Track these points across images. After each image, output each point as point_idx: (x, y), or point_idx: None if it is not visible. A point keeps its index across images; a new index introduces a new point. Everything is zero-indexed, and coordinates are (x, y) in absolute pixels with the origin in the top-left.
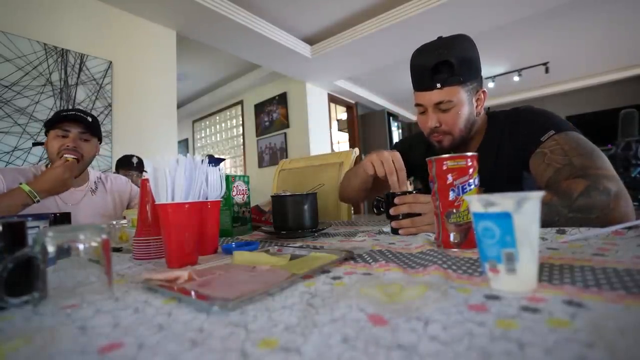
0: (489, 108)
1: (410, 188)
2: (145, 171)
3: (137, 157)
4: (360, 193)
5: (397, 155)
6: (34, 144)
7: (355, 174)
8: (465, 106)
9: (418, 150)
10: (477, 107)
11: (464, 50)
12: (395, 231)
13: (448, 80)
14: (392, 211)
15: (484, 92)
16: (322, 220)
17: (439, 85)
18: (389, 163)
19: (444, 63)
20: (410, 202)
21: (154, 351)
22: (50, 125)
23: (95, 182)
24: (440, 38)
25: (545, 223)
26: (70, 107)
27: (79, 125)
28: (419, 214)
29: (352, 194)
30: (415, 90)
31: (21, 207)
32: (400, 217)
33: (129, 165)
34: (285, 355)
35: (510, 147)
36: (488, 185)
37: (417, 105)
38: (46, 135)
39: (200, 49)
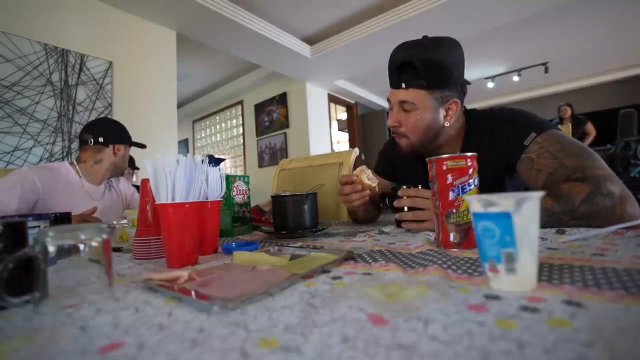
0: (471, 110)
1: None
2: (137, 168)
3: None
4: (368, 212)
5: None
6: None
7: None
8: (428, 112)
9: (390, 157)
10: (446, 116)
11: (438, 55)
12: (399, 223)
13: (411, 82)
14: (395, 203)
15: (455, 102)
16: (322, 220)
17: (403, 85)
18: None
19: (408, 64)
20: (413, 196)
21: (155, 351)
22: (130, 141)
23: (107, 181)
24: (424, 37)
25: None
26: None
27: None
28: (422, 209)
29: (363, 218)
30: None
31: None
32: (406, 210)
33: None
34: (285, 355)
35: (491, 153)
36: None
37: (388, 101)
38: (117, 142)
39: (200, 49)
